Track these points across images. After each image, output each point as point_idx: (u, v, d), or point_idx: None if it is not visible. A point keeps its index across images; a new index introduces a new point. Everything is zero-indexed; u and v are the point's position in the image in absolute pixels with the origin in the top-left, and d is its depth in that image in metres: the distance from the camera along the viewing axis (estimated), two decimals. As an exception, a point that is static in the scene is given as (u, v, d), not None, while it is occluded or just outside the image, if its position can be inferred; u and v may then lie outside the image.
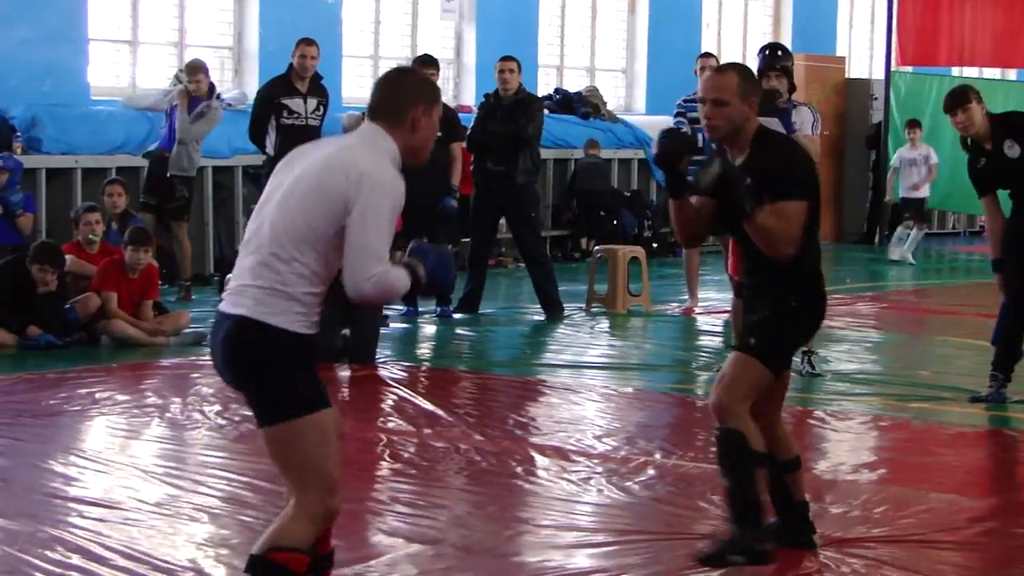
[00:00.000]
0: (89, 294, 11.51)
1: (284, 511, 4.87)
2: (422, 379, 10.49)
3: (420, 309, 13.36)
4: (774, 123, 10.16)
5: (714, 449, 6.02)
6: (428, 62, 12.83)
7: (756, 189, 5.73)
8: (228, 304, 4.84)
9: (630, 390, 10.14)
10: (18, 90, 15.00)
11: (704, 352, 11.76)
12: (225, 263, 14.51)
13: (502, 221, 13.99)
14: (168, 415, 8.87)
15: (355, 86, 18.06)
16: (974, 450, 8.73)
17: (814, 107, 10.74)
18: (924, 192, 19.50)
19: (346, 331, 10.55)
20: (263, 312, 4.73)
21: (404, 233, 4.90)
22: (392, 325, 12.55)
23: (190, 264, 14.57)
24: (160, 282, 12.37)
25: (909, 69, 21.32)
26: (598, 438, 8.46)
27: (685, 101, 12.59)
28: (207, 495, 7.04)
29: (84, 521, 6.51)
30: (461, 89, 19.82)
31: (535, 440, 8.37)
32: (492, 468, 7.68)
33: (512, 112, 13.27)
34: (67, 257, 11.65)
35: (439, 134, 13.93)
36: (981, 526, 6.78)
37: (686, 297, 14.11)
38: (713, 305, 14.05)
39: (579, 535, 6.51)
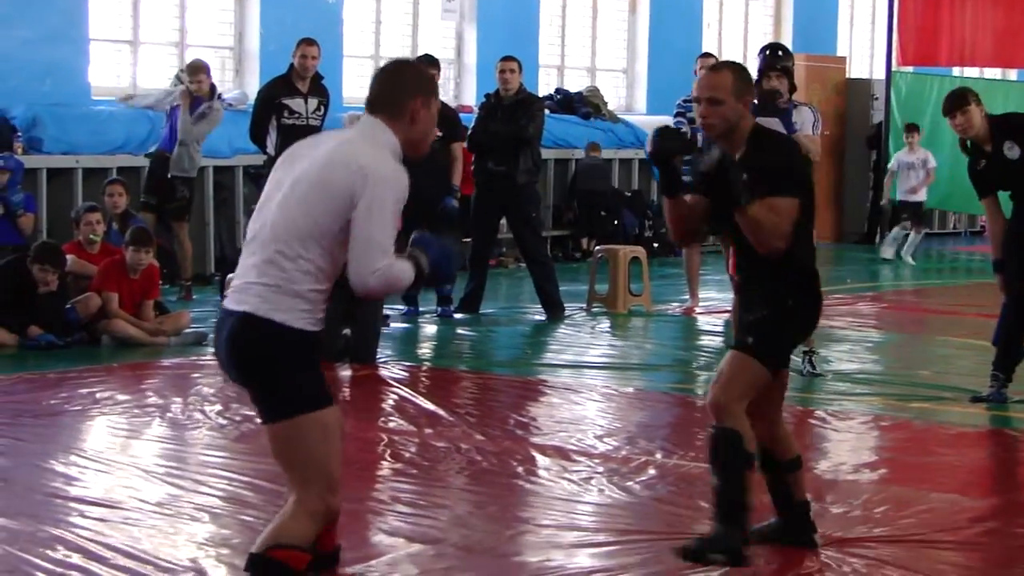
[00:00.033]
0: (90, 294, 11.51)
1: (284, 509, 4.88)
2: (423, 379, 10.49)
3: (421, 309, 13.36)
4: (775, 123, 10.17)
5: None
6: (429, 62, 12.83)
7: (751, 184, 5.73)
8: (232, 301, 4.85)
9: (631, 390, 10.14)
10: (19, 90, 14.99)
11: (705, 352, 11.76)
12: (226, 263, 14.51)
13: (503, 221, 13.99)
14: (169, 415, 8.87)
15: (356, 86, 18.06)
16: (975, 450, 8.73)
17: (815, 107, 10.74)
18: (922, 196, 19.52)
19: (347, 331, 10.55)
20: (268, 309, 4.74)
21: (404, 231, 4.89)
22: (393, 325, 12.56)
23: (191, 264, 14.57)
24: (161, 282, 12.37)
25: (910, 69, 21.31)
26: (599, 438, 8.46)
27: (685, 101, 12.59)
28: (208, 495, 7.04)
29: (85, 521, 6.51)
30: (462, 89, 19.82)
31: (536, 440, 8.37)
32: (493, 468, 7.68)
33: (513, 112, 13.27)
34: (68, 257, 11.65)
35: (440, 134, 14.04)
36: (982, 526, 6.78)
37: (687, 297, 14.11)
38: (714, 305, 14.05)
39: (580, 535, 6.51)
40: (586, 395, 9.87)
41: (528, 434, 8.57)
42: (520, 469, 7.66)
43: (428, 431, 8.52)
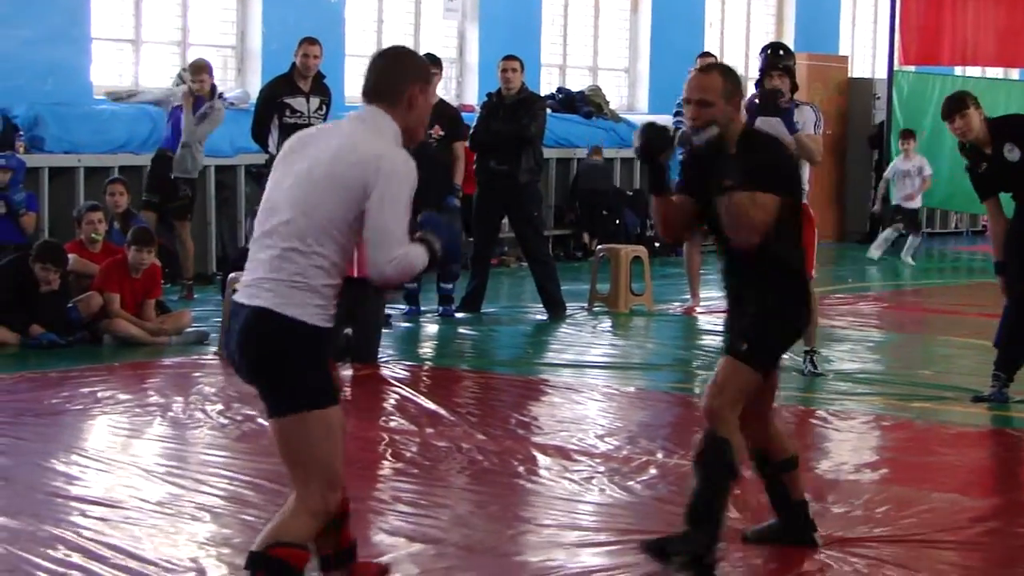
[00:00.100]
0: (91, 293, 11.52)
1: (285, 507, 4.89)
2: (424, 378, 10.49)
3: (422, 308, 13.36)
4: (776, 122, 10.19)
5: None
6: (431, 61, 12.82)
7: (738, 181, 5.73)
8: (245, 296, 4.84)
9: (632, 389, 10.14)
10: (21, 89, 14.99)
11: (706, 352, 11.75)
12: (228, 262, 14.51)
13: (505, 220, 13.99)
14: (170, 414, 8.87)
15: (358, 85, 17.95)
16: (976, 450, 8.73)
17: (816, 106, 10.74)
18: (917, 203, 19.52)
19: (348, 330, 10.55)
20: (282, 303, 4.75)
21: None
22: (394, 324, 12.55)
23: (193, 263, 14.57)
24: (162, 281, 12.37)
25: (912, 68, 21.29)
26: (600, 437, 8.46)
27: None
28: (209, 494, 7.04)
29: (86, 520, 6.52)
30: (464, 88, 19.82)
31: (537, 439, 8.37)
32: (494, 467, 7.68)
33: (515, 111, 13.27)
34: (70, 256, 11.65)
35: (442, 133, 13.98)
36: (983, 526, 6.78)
37: (688, 296, 14.11)
38: (715, 304, 14.03)
39: (581, 534, 6.51)
40: (587, 394, 9.87)
41: (529, 433, 8.57)
42: (521, 469, 7.66)
43: (429, 430, 8.52)
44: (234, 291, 10.60)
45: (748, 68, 23.08)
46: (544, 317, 13.42)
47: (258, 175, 15.21)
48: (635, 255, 14.21)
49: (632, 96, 22.11)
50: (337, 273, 4.82)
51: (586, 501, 7.08)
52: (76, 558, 5.96)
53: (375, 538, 6.32)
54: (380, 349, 10.94)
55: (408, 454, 7.94)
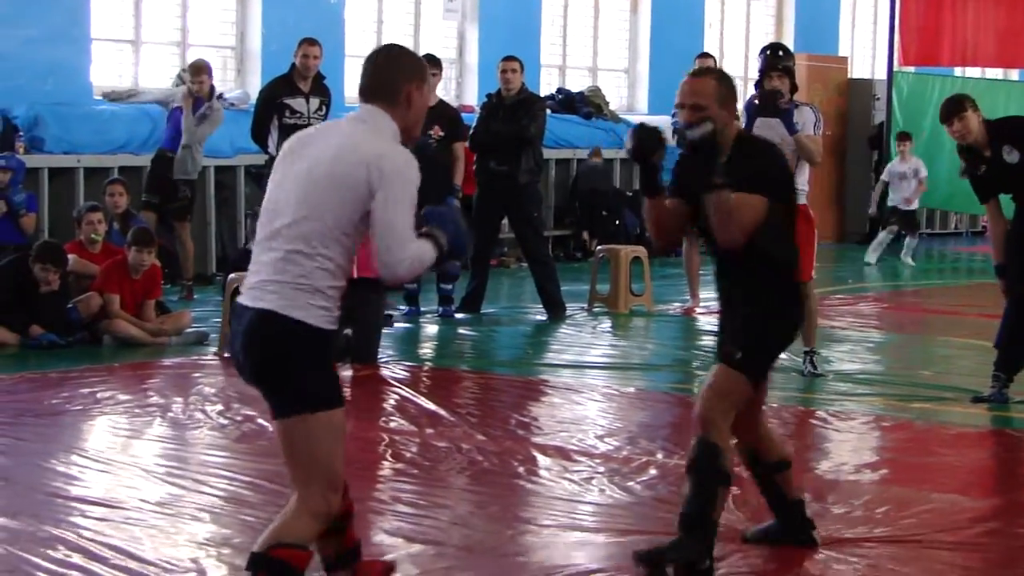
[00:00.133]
0: (91, 293, 11.52)
1: (286, 508, 4.89)
2: (424, 379, 10.50)
3: (422, 309, 13.36)
4: (776, 123, 10.19)
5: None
6: (431, 62, 12.83)
7: (727, 180, 5.72)
8: (249, 298, 4.84)
9: (632, 390, 10.14)
10: (21, 89, 15.00)
11: (706, 352, 11.74)
12: (228, 262, 14.52)
13: (504, 221, 13.99)
14: (170, 415, 8.87)
15: (357, 86, 18.03)
16: (976, 450, 8.73)
17: (816, 107, 10.73)
18: (914, 206, 19.52)
19: (348, 331, 10.55)
20: (286, 306, 4.76)
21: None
22: (394, 325, 12.55)
23: (192, 264, 14.58)
24: (162, 282, 12.37)
25: (912, 69, 21.30)
26: (600, 438, 8.46)
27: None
28: (209, 494, 7.04)
29: (86, 520, 6.51)
30: (463, 89, 19.83)
31: (537, 440, 8.37)
32: (494, 468, 7.68)
33: (514, 112, 13.27)
34: (69, 256, 11.66)
35: (442, 134, 13.96)
36: (983, 526, 6.77)
37: (688, 297, 14.11)
38: (714, 305, 13.95)
39: (581, 535, 6.51)
40: (587, 395, 9.88)
41: (529, 434, 8.57)
42: (521, 469, 7.66)
43: (429, 431, 8.52)
44: (235, 292, 10.61)
45: (748, 69, 23.10)
46: (544, 318, 13.43)
47: (258, 175, 15.21)
48: (635, 256, 14.22)
49: (632, 97, 22.12)
50: (342, 275, 4.83)
51: (586, 502, 7.08)
52: (76, 558, 5.96)
53: (375, 538, 6.32)
54: (380, 349, 10.95)
55: (408, 455, 7.94)
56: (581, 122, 19.73)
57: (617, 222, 18.97)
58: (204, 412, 8.91)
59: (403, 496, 7.07)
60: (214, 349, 11.19)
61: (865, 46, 25.85)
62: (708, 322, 13.25)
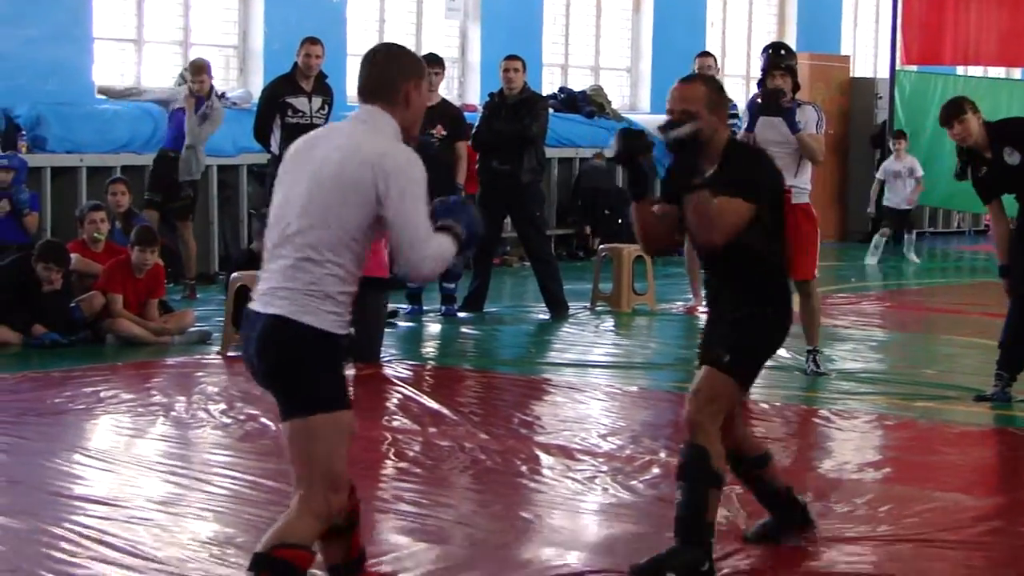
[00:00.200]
0: (94, 292, 11.52)
1: (289, 508, 4.89)
2: (427, 378, 10.50)
3: (425, 308, 13.36)
4: (778, 122, 10.20)
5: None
6: (433, 61, 12.84)
7: (706, 181, 5.70)
8: (260, 304, 4.88)
9: (635, 389, 10.14)
10: (23, 88, 15.00)
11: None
12: (231, 261, 14.52)
13: (507, 220, 13.99)
14: (173, 414, 8.87)
15: (356, 89, 18.02)
16: (979, 449, 8.73)
17: (818, 106, 10.73)
18: (911, 205, 19.48)
19: (351, 330, 10.53)
20: (297, 311, 4.79)
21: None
22: (397, 323, 12.55)
23: (195, 263, 14.58)
24: (165, 281, 12.37)
25: (914, 68, 21.30)
26: (603, 437, 8.46)
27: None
28: (212, 493, 7.04)
29: (89, 519, 6.51)
30: (466, 88, 19.83)
31: (540, 439, 8.38)
32: (497, 467, 7.68)
33: (517, 111, 13.28)
34: (72, 256, 11.66)
35: (444, 133, 13.96)
36: (986, 525, 6.77)
37: (690, 296, 14.11)
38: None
39: (584, 534, 6.51)
40: (590, 394, 9.87)
41: (532, 433, 8.57)
42: (524, 468, 7.66)
43: (432, 430, 8.52)
44: (238, 291, 10.62)
45: (750, 68, 23.12)
46: (546, 316, 13.43)
47: (260, 175, 15.21)
48: (637, 255, 14.20)
49: (634, 96, 22.11)
50: (352, 280, 4.86)
51: (589, 500, 7.08)
52: (79, 557, 5.96)
53: (378, 537, 6.32)
54: (383, 348, 10.95)
55: (411, 453, 7.94)
56: (583, 121, 19.73)
57: (620, 221, 18.96)
58: (207, 411, 8.92)
59: (406, 495, 7.07)
60: (217, 348, 11.19)
61: (867, 45, 25.84)
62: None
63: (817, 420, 9.12)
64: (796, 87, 10.46)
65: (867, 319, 13.93)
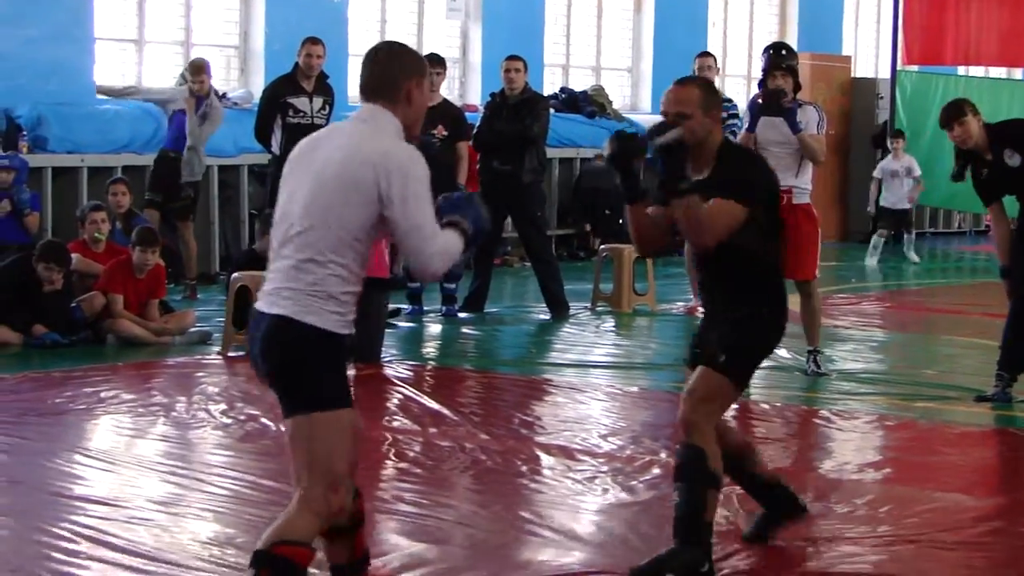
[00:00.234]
0: (94, 292, 11.52)
1: (289, 506, 4.90)
2: (427, 378, 10.50)
3: (425, 308, 13.36)
4: (779, 122, 10.19)
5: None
6: (434, 61, 12.84)
7: (709, 191, 5.70)
8: (265, 304, 4.90)
9: (635, 389, 10.14)
10: (24, 89, 15.00)
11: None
12: (231, 261, 14.52)
13: (508, 220, 13.99)
14: (173, 414, 8.87)
15: (358, 88, 18.02)
16: (979, 449, 8.73)
17: (819, 106, 10.73)
18: (907, 204, 19.46)
19: (351, 330, 10.53)
20: (300, 311, 4.80)
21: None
22: (397, 324, 12.55)
23: (196, 263, 14.58)
24: (166, 281, 12.37)
25: (915, 68, 21.29)
26: (603, 437, 8.46)
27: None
28: (212, 493, 7.05)
29: (89, 519, 6.51)
30: (467, 88, 19.83)
31: (540, 439, 8.38)
32: (497, 467, 7.69)
33: (518, 111, 13.28)
34: (73, 256, 11.66)
35: (445, 133, 13.95)
36: (986, 525, 6.77)
37: (691, 296, 14.11)
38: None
39: (584, 534, 6.51)
40: (590, 394, 9.88)
41: (532, 433, 8.57)
42: (524, 468, 7.66)
43: (432, 430, 8.52)
44: (238, 291, 10.61)
45: (751, 68, 23.12)
46: (547, 317, 13.43)
47: (261, 175, 15.21)
48: (638, 255, 14.19)
49: (635, 96, 22.11)
50: (356, 280, 4.86)
51: (589, 501, 7.08)
52: (79, 558, 5.97)
53: (378, 537, 6.32)
54: (383, 349, 10.95)
55: (411, 454, 7.94)
56: (584, 121, 19.72)
57: (620, 221, 18.95)
58: (207, 411, 8.92)
59: (406, 495, 7.08)
60: (217, 348, 11.19)
61: (868, 45, 25.84)
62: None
63: (817, 420, 9.12)
64: (797, 87, 10.46)
65: (867, 319, 13.93)
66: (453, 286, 13.31)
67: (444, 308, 13.36)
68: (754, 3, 23.89)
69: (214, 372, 10.36)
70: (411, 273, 4.91)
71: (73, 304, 11.43)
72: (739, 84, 23.34)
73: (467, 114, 14.37)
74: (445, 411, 9.02)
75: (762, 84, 10.58)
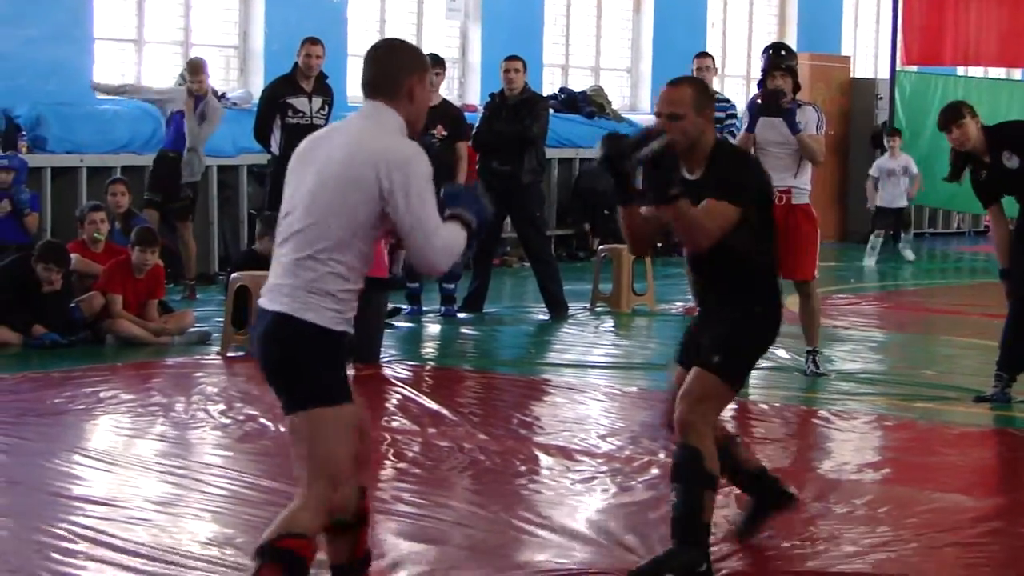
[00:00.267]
0: (94, 293, 11.52)
1: (293, 501, 4.92)
2: (426, 378, 10.50)
3: (424, 308, 13.36)
4: (778, 123, 10.19)
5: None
6: (434, 61, 12.84)
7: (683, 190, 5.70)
8: (266, 301, 4.93)
9: (634, 389, 10.14)
10: (23, 89, 15.00)
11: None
12: (231, 261, 14.52)
13: (507, 220, 13.99)
14: (172, 414, 8.87)
15: (360, 85, 18.02)
16: (979, 450, 8.73)
17: (819, 106, 10.73)
18: (903, 202, 19.46)
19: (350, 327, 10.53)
20: (299, 308, 4.83)
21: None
22: (397, 324, 12.55)
23: (195, 263, 14.58)
24: (165, 281, 12.37)
25: (914, 68, 21.30)
26: (602, 437, 8.46)
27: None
28: (211, 494, 7.04)
29: (88, 519, 6.51)
30: (466, 88, 19.82)
31: (539, 439, 8.38)
32: (496, 467, 7.69)
33: (517, 112, 13.28)
34: (72, 256, 11.66)
35: (445, 133, 13.95)
36: (985, 526, 6.77)
37: (690, 296, 14.08)
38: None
39: (583, 535, 6.51)
40: (589, 394, 9.88)
41: (531, 433, 8.57)
42: (523, 469, 7.66)
43: (431, 430, 8.52)
44: (238, 291, 10.62)
45: (750, 68, 23.11)
46: (546, 317, 13.43)
47: (260, 175, 15.21)
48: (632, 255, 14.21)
49: (634, 96, 22.11)
50: (356, 278, 4.88)
51: (588, 501, 7.08)
52: (79, 558, 5.97)
53: (377, 538, 6.32)
54: (382, 349, 10.95)
55: (410, 454, 7.94)
56: (584, 122, 19.72)
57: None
58: (206, 412, 8.92)
59: (405, 496, 7.07)
60: (216, 349, 11.19)
61: (868, 45, 25.84)
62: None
63: (817, 421, 9.12)
64: (796, 87, 10.46)
65: (866, 320, 13.94)
66: (452, 286, 13.31)
67: (443, 308, 13.36)
68: (753, 3, 23.89)
69: (213, 372, 10.36)
70: (412, 271, 4.91)
71: (72, 304, 11.42)
72: (738, 84, 23.34)
73: (466, 114, 14.37)
74: (444, 411, 9.02)
75: (761, 84, 10.58)
